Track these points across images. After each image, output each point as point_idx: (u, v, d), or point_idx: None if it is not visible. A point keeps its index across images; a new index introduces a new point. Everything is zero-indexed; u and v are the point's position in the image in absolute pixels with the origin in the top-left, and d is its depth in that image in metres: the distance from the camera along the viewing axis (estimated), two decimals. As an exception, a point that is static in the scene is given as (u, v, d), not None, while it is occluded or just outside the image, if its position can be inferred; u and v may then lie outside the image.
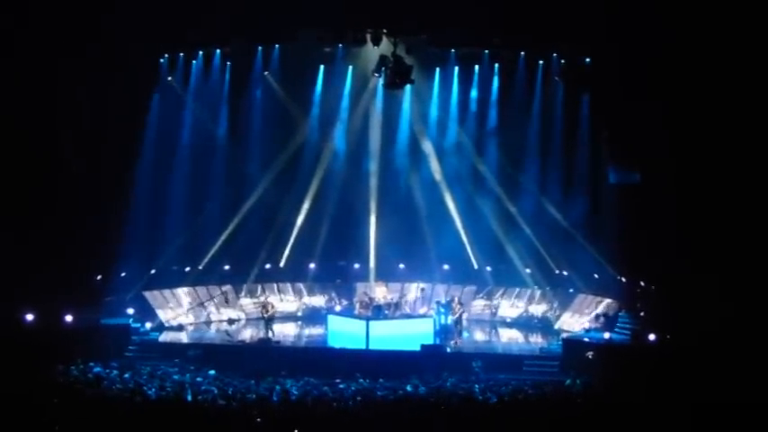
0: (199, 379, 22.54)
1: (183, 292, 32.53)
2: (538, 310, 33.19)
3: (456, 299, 30.62)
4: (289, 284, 34.69)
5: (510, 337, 31.56)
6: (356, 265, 35.00)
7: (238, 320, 32.86)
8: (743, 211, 26.53)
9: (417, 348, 27.46)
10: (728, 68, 26.67)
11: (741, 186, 26.78)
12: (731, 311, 24.96)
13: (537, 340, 30.68)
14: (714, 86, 26.96)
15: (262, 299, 32.74)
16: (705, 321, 25.20)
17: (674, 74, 27.76)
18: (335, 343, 29.31)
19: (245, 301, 33.62)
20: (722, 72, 26.82)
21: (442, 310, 30.11)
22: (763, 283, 25.30)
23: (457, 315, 29.90)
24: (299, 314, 34.43)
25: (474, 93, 34.39)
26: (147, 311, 30.98)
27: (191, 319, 32.26)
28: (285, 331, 31.64)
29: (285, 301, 34.32)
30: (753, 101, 26.45)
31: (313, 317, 33.94)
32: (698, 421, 17.90)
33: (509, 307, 33.92)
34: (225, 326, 32.15)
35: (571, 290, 32.53)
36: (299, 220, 34.55)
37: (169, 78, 32.86)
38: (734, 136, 26.91)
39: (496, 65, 33.89)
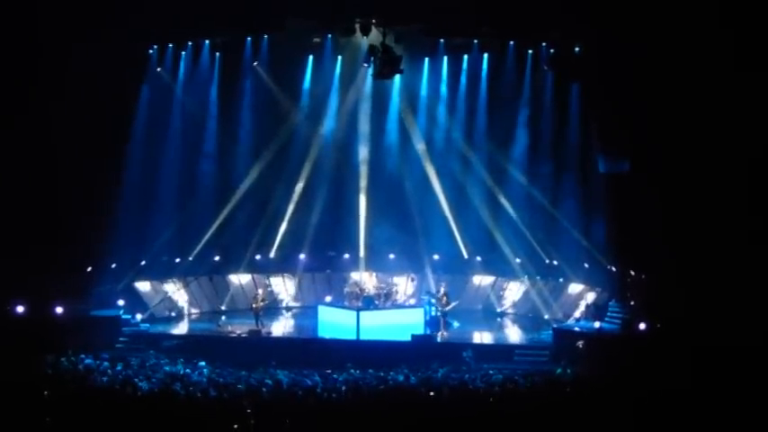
0: (188, 370, 22.52)
1: (173, 285, 32.52)
2: (528, 299, 33.24)
3: (442, 289, 30.17)
4: (279, 275, 34.68)
5: (500, 327, 31.61)
6: (346, 256, 35.00)
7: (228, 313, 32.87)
8: (731, 200, 26.54)
9: (408, 338, 27.52)
10: (717, 59, 26.67)
11: (729, 175, 26.79)
12: (720, 299, 25.06)
13: (527, 330, 30.71)
14: (703, 75, 26.96)
15: (252, 290, 32.73)
16: (695, 310, 25.26)
17: (664, 63, 27.75)
18: (326, 333, 29.34)
19: (235, 293, 33.57)
20: (711, 62, 26.82)
21: (433, 301, 29.99)
22: (752, 270, 25.34)
23: (443, 306, 29.40)
24: (290, 304, 34.44)
25: (463, 82, 34.35)
26: (137, 303, 30.93)
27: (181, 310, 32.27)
28: (275, 322, 31.65)
29: (275, 291, 34.29)
30: (740, 90, 26.45)
31: (303, 307, 33.97)
32: (688, 409, 17.98)
33: (499, 296, 33.96)
34: (215, 317, 32.10)
35: (561, 279, 32.60)
36: (289, 210, 34.51)
37: (158, 69, 32.74)
38: (722, 125, 26.91)
39: (486, 54, 33.84)
